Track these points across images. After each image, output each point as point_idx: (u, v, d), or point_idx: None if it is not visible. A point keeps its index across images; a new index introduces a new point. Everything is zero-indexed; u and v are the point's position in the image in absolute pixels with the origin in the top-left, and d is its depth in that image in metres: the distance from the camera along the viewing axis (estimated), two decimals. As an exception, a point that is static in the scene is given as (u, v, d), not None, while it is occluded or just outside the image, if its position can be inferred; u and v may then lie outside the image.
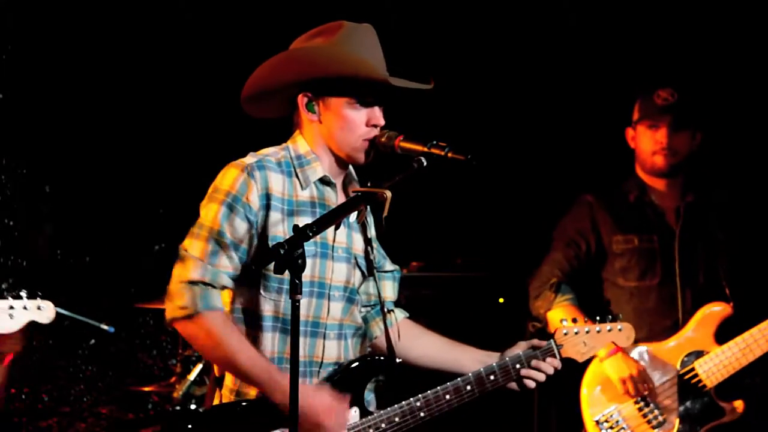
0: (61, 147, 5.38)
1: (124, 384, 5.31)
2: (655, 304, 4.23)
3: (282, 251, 2.67)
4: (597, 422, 4.13)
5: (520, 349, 3.23)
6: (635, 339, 4.17)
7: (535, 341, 3.25)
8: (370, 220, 3.35)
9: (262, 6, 5.42)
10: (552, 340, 3.25)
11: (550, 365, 3.22)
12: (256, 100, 3.15)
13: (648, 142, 4.30)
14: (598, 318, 3.34)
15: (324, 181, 3.15)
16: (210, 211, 3.04)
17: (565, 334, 3.27)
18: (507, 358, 3.20)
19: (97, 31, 5.31)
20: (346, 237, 3.17)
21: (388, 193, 2.94)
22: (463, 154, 2.94)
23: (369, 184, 3.18)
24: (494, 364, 3.19)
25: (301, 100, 3.11)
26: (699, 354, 4.14)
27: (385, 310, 3.32)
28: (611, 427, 4.11)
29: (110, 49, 5.35)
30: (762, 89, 5.13)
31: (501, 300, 5.37)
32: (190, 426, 3.00)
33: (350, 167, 3.23)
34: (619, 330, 3.34)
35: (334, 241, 3.13)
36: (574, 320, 3.30)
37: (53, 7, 5.26)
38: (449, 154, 2.95)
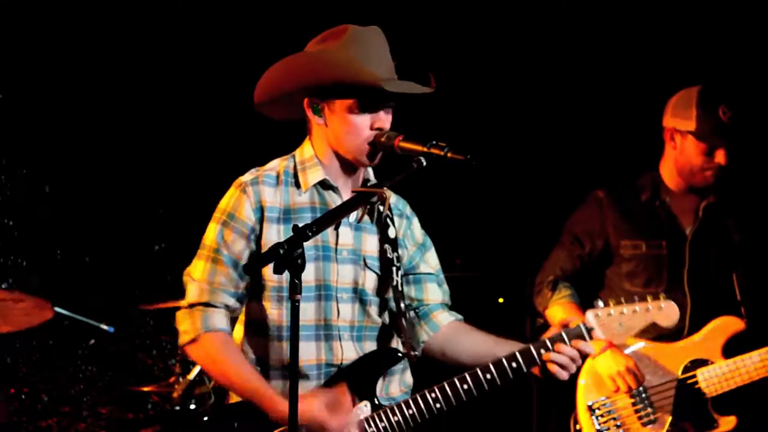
0: (61, 147, 5.38)
1: (124, 384, 5.31)
2: (660, 311, 4.19)
3: (281, 251, 2.67)
4: (589, 407, 4.12)
5: (551, 332, 3.08)
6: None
7: (569, 321, 3.07)
8: (406, 221, 3.33)
9: (266, 7, 5.42)
10: (581, 324, 3.06)
11: (578, 349, 3.02)
12: (268, 104, 3.17)
13: (700, 157, 4.14)
14: (636, 297, 3.13)
15: (324, 185, 3.15)
16: (209, 232, 3.13)
17: (597, 315, 3.08)
18: (531, 344, 3.07)
19: (98, 31, 5.31)
20: (353, 239, 3.17)
21: (388, 193, 2.94)
22: (463, 154, 2.94)
23: (369, 184, 3.19)
24: (516, 350, 3.05)
25: (307, 104, 3.12)
26: (703, 362, 4.11)
27: (430, 313, 3.31)
28: (602, 416, 4.11)
29: (111, 49, 5.35)
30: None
31: (501, 300, 5.36)
32: (206, 418, 3.05)
33: (369, 171, 3.23)
34: (661, 308, 3.11)
35: (337, 243, 3.13)
36: (609, 301, 3.11)
37: (53, 7, 5.26)
38: (449, 154, 2.95)
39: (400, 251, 3.24)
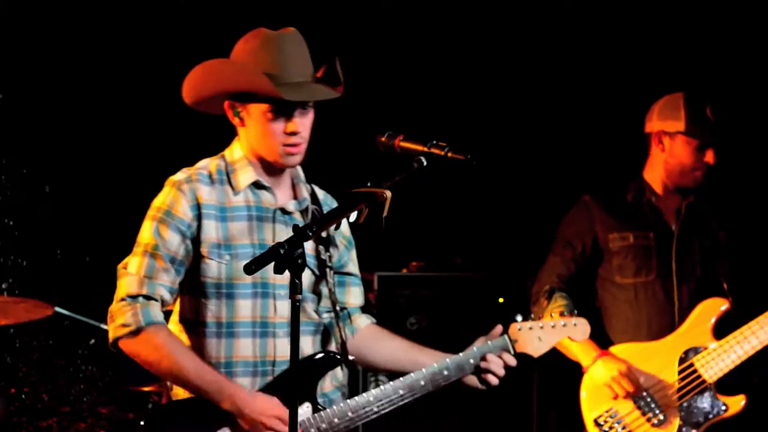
0: (61, 147, 5.38)
1: (124, 384, 5.31)
2: (650, 301, 4.24)
3: (281, 251, 2.69)
4: (596, 422, 4.14)
5: (478, 344, 3.27)
6: (632, 337, 4.22)
7: (494, 332, 3.28)
8: None
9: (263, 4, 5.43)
10: (506, 335, 3.27)
11: (504, 361, 3.23)
12: (197, 106, 3.27)
13: (690, 157, 4.23)
14: (552, 314, 3.35)
15: (257, 185, 3.21)
16: (144, 229, 3.18)
17: (519, 329, 3.28)
18: (461, 354, 3.24)
19: (97, 31, 5.31)
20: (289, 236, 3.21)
21: (388, 193, 2.95)
22: (463, 154, 2.96)
23: (369, 184, 3.19)
24: (448, 359, 3.22)
25: (227, 107, 3.20)
26: (697, 350, 4.14)
27: (350, 316, 3.40)
28: (611, 427, 4.11)
29: (110, 49, 5.35)
30: (759, 90, 5.14)
31: (501, 300, 5.37)
32: (142, 423, 3.09)
33: (299, 170, 3.30)
34: (575, 325, 3.33)
35: (274, 240, 3.18)
36: (531, 315, 3.33)
37: (53, 7, 5.26)
38: (449, 154, 2.97)
39: (331, 250, 3.31)
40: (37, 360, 5.40)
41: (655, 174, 4.34)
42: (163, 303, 3.13)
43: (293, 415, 2.75)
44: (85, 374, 5.48)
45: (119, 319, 3.08)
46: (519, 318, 3.30)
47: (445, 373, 3.21)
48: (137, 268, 3.12)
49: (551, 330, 3.31)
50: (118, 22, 5.34)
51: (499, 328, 3.29)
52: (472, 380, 3.27)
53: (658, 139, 4.29)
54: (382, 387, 3.18)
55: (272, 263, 2.75)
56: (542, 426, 5.13)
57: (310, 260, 3.24)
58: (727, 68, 5.23)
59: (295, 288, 2.70)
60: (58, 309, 4.45)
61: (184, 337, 3.18)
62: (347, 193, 3.22)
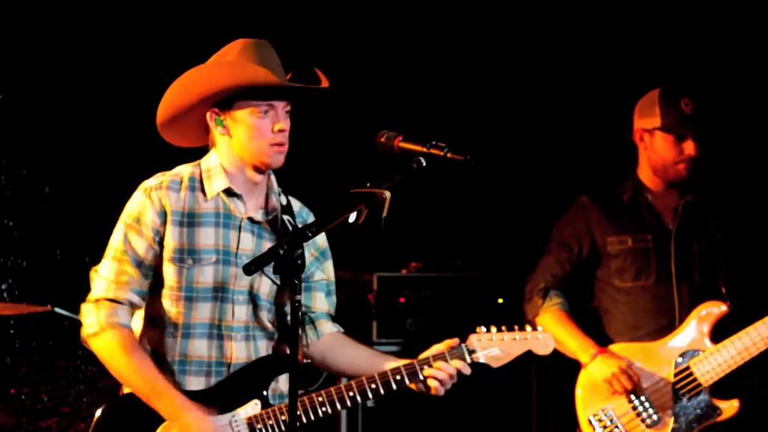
0: (61, 147, 5.38)
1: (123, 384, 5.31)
2: (651, 303, 4.24)
3: (281, 251, 2.71)
4: (590, 421, 4.14)
5: (433, 351, 3.26)
6: (631, 337, 4.23)
7: (451, 342, 3.26)
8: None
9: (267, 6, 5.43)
10: (463, 345, 3.25)
11: (455, 368, 3.21)
12: (171, 124, 3.29)
13: (671, 151, 4.25)
14: (516, 326, 3.31)
15: (229, 192, 3.28)
16: (115, 234, 3.30)
17: (480, 340, 3.26)
18: (415, 361, 3.24)
19: (97, 31, 5.32)
20: (254, 245, 3.28)
21: (387, 194, 2.96)
22: (462, 155, 2.97)
23: (368, 185, 3.20)
24: (401, 365, 3.24)
25: (210, 116, 3.25)
26: (694, 353, 4.14)
27: (316, 320, 3.43)
28: (605, 426, 4.12)
29: (110, 49, 5.35)
30: (759, 89, 5.15)
31: (501, 300, 5.38)
32: (105, 405, 3.26)
33: (273, 179, 3.34)
34: (538, 338, 3.30)
35: (237, 248, 3.26)
36: (492, 327, 3.29)
37: (53, 7, 5.26)
38: (448, 155, 2.97)
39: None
40: (37, 360, 5.41)
41: (646, 171, 4.35)
42: (132, 305, 3.25)
43: (293, 414, 2.75)
44: (85, 374, 5.48)
45: (85, 320, 3.24)
46: (483, 329, 3.28)
47: (398, 378, 3.21)
48: (107, 273, 3.26)
49: (512, 342, 3.28)
50: (118, 22, 5.34)
51: (456, 340, 3.27)
52: (419, 386, 3.26)
53: (640, 137, 4.33)
54: (332, 389, 3.21)
55: (271, 263, 2.76)
56: (541, 424, 5.14)
57: (271, 269, 3.27)
58: (726, 68, 5.24)
59: (294, 288, 2.72)
60: (58, 309, 4.46)
61: (148, 334, 3.29)
62: (347, 194, 3.23)
